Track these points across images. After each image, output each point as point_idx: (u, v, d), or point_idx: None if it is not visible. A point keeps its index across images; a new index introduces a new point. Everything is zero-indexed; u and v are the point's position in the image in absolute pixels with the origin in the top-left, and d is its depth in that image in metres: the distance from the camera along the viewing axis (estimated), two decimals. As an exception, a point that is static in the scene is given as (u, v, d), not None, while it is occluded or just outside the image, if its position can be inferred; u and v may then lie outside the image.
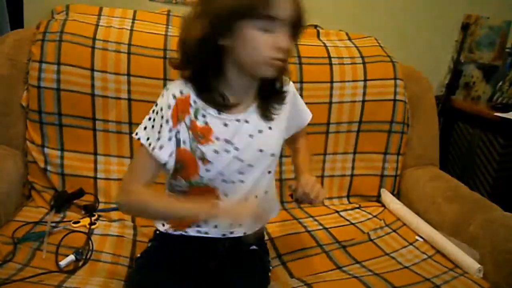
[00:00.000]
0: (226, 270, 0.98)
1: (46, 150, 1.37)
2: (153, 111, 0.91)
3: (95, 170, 1.39)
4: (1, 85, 1.36)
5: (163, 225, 1.02)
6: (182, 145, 0.91)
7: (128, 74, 1.39)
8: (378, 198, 1.61)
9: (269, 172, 1.01)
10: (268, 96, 0.96)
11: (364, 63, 1.59)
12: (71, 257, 1.08)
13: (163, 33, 1.47)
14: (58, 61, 1.35)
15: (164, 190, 1.04)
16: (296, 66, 1.50)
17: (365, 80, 1.56)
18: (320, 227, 1.38)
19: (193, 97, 0.90)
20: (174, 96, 0.89)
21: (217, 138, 0.91)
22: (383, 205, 1.56)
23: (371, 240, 1.33)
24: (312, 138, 1.42)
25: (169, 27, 1.52)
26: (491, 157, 1.89)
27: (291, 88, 1.03)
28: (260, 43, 0.82)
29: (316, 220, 1.43)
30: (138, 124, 1.37)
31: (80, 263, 1.08)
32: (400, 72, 1.62)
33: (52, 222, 1.22)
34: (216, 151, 0.91)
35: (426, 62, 1.90)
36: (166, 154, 0.89)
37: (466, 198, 1.39)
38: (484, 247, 1.18)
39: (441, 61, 2.04)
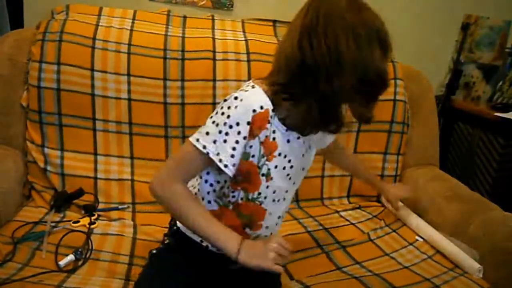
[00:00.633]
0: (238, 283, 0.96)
1: (46, 150, 1.37)
2: (225, 123, 0.83)
3: (95, 170, 1.39)
4: (1, 85, 1.36)
5: None
6: (250, 159, 0.87)
7: (128, 74, 1.39)
8: (378, 198, 1.60)
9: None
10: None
11: (364, 63, 1.58)
12: (71, 256, 1.08)
13: (163, 33, 1.48)
14: (58, 61, 1.35)
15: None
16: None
17: (365, 80, 1.56)
18: (320, 227, 1.38)
19: (271, 113, 0.85)
20: (254, 111, 0.83)
21: (279, 154, 0.90)
22: (383, 205, 1.56)
23: (371, 240, 1.33)
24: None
25: (169, 27, 1.52)
26: (491, 157, 1.89)
27: None
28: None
29: (316, 220, 1.43)
30: (138, 124, 1.42)
31: (80, 263, 1.08)
32: (400, 72, 1.62)
33: (52, 222, 1.22)
34: (276, 167, 0.90)
35: (426, 62, 1.89)
36: (235, 168, 0.86)
37: (466, 198, 1.39)
38: (484, 247, 1.18)
39: (441, 61, 2.04)
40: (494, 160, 1.87)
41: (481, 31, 2.00)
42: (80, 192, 1.35)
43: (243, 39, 1.54)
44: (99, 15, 1.48)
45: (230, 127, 0.82)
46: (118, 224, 1.29)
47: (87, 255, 1.11)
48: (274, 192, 0.93)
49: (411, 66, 1.70)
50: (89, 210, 1.32)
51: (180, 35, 1.49)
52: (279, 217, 1.00)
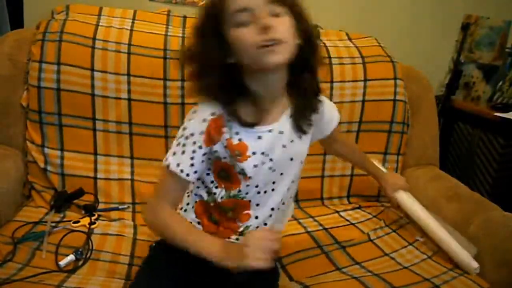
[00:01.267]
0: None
1: (46, 150, 1.37)
2: (182, 136, 0.88)
3: (95, 170, 1.39)
4: (1, 85, 1.36)
5: None
6: (223, 160, 0.91)
7: (128, 74, 1.39)
8: (378, 198, 1.60)
9: (295, 179, 1.02)
10: (301, 104, 0.94)
11: (364, 63, 1.59)
12: (71, 256, 1.08)
13: (163, 33, 1.48)
14: (58, 61, 1.35)
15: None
16: (296, 66, 1.50)
17: (365, 80, 1.56)
18: (320, 228, 1.38)
19: (226, 116, 0.88)
20: (205, 120, 0.87)
21: (254, 153, 0.90)
22: (383, 205, 1.56)
23: (370, 240, 1.33)
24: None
25: (169, 27, 1.52)
26: (491, 157, 1.89)
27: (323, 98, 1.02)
28: (243, 37, 0.81)
29: (316, 220, 1.43)
30: (138, 124, 1.42)
31: (80, 263, 1.08)
32: (400, 72, 1.62)
33: (52, 222, 1.22)
34: (255, 166, 0.91)
35: (426, 62, 1.89)
36: (198, 174, 0.90)
37: (466, 198, 1.39)
38: (484, 247, 1.18)
39: (441, 61, 2.04)
40: (494, 160, 1.87)
41: (481, 31, 2.00)
42: (80, 192, 1.35)
43: (243, 39, 1.54)
44: (99, 15, 1.48)
45: (186, 138, 0.88)
46: (118, 224, 1.29)
47: (87, 255, 1.11)
48: (256, 186, 0.94)
49: (411, 66, 1.70)
50: (89, 210, 1.32)
51: (180, 35, 1.49)
52: (272, 209, 0.98)
